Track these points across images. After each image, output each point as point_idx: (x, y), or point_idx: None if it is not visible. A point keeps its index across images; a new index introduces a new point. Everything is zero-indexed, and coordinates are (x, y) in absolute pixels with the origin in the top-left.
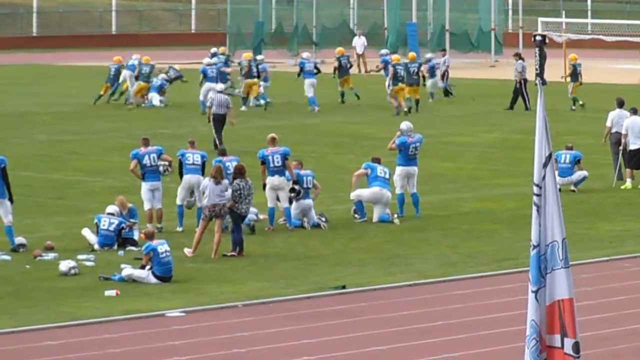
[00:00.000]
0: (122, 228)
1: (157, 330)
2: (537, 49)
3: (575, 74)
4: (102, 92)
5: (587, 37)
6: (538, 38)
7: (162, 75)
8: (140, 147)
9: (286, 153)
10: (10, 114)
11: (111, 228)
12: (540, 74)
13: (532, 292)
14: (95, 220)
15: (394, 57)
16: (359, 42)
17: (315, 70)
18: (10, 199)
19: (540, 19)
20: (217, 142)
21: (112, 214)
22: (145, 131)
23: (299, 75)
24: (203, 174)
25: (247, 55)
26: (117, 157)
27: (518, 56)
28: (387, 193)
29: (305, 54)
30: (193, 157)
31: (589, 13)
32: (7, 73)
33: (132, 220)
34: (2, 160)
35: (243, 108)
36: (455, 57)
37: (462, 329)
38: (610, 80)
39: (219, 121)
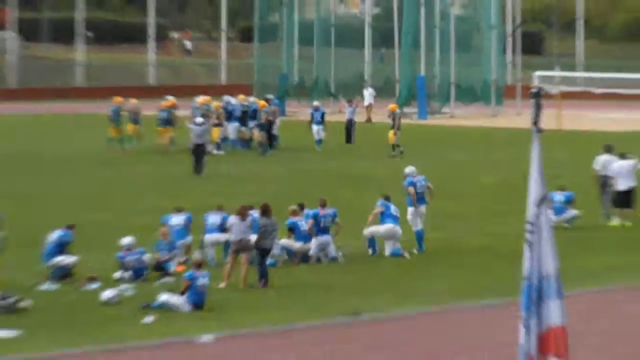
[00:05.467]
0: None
1: (190, 353)
2: (533, 100)
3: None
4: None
5: (579, 89)
6: (534, 90)
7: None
8: (172, 213)
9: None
10: (60, 158)
11: (136, 264)
12: (536, 123)
13: (523, 319)
14: (119, 259)
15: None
16: (367, 94)
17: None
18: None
19: (536, 73)
20: (195, 169)
21: (129, 249)
22: (179, 172)
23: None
24: (222, 231)
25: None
26: (153, 198)
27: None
28: (399, 230)
29: (233, 100)
30: (214, 218)
31: (581, 67)
32: (58, 120)
33: (173, 252)
34: (68, 235)
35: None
36: (460, 107)
37: (465, 351)
38: (598, 128)
39: (198, 150)
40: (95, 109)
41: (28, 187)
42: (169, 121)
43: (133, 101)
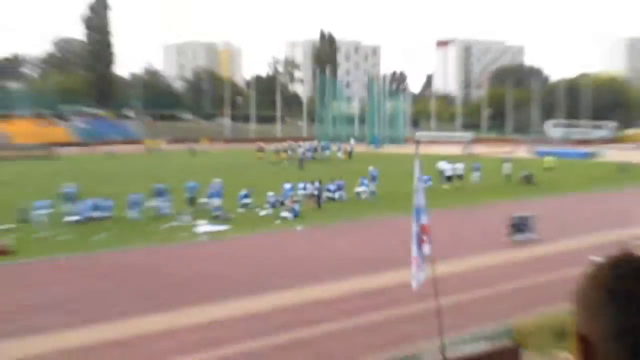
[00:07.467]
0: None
1: (290, 235)
2: (416, 146)
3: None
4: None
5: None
6: (416, 140)
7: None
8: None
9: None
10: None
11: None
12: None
13: (415, 232)
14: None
15: None
16: (351, 142)
17: None
18: None
19: (416, 133)
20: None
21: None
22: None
23: None
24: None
25: None
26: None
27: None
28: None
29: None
30: (303, 185)
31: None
32: None
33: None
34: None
35: None
36: (391, 146)
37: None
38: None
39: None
40: None
41: (103, 169)
42: None
43: None
